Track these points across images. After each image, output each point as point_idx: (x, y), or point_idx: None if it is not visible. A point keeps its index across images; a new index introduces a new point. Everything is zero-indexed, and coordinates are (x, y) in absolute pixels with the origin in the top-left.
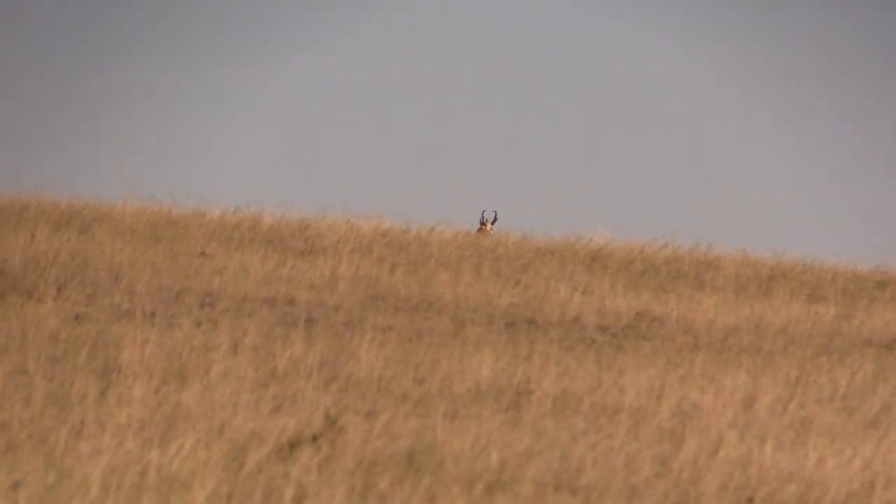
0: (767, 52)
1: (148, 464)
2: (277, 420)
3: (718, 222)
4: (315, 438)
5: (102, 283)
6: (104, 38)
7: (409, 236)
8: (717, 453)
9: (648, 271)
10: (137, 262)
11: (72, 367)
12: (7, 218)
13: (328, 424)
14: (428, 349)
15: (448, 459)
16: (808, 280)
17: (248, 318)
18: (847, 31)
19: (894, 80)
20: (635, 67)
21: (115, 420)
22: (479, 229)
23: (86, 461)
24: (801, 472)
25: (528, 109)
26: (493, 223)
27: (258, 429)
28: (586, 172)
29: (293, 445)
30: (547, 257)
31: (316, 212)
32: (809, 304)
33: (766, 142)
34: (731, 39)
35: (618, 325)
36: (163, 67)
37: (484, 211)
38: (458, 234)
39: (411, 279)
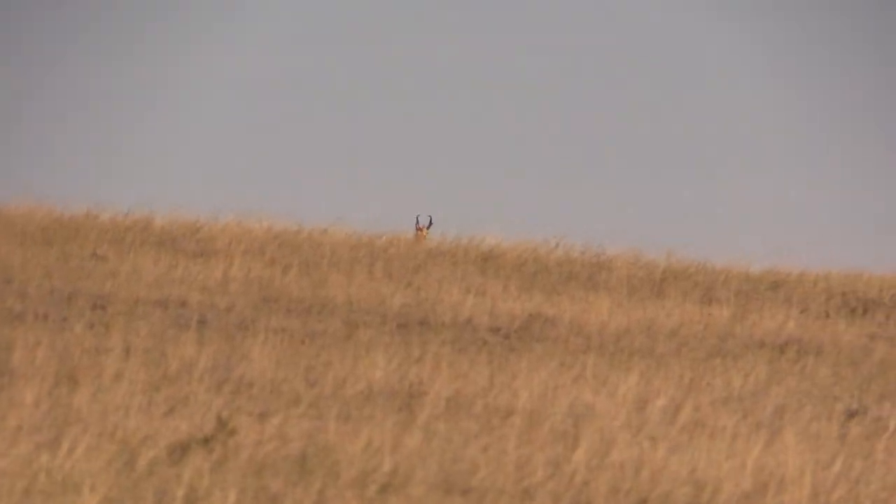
0: (633, 50)
1: (39, 467)
2: (169, 422)
3: (611, 223)
4: (207, 441)
5: None
6: None
7: (301, 237)
8: (610, 455)
9: (541, 273)
10: (29, 264)
11: None
12: None
13: (220, 427)
14: (320, 351)
15: (340, 461)
16: (701, 281)
17: (141, 321)
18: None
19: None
20: (518, 65)
21: (6, 423)
22: (416, 235)
23: None
24: (693, 473)
25: (415, 109)
26: (428, 228)
27: (150, 431)
28: (478, 173)
29: (185, 448)
30: (439, 259)
31: (208, 213)
32: (702, 306)
33: (656, 139)
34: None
35: (510, 327)
36: (50, 67)
37: (418, 215)
38: (352, 234)
39: (304, 281)
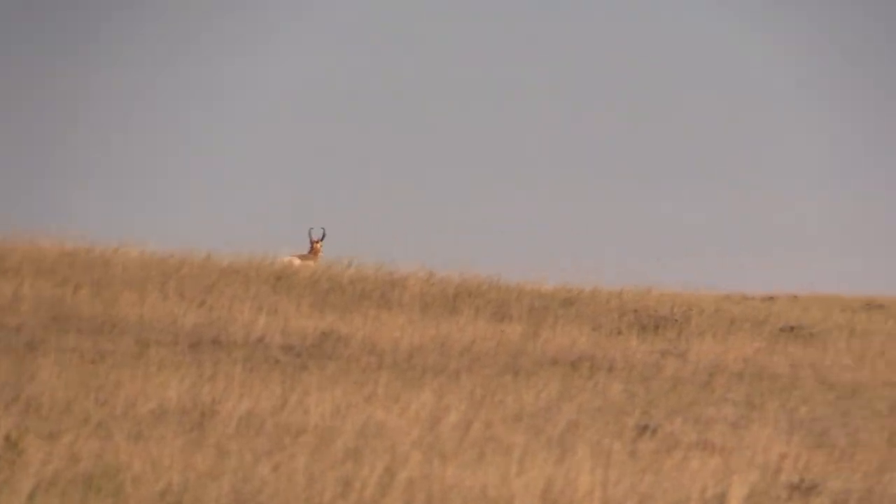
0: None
1: None
2: None
3: (404, 241)
4: None
5: None
6: None
7: (93, 256)
8: (401, 473)
9: (334, 291)
10: None
11: None
12: None
13: (8, 446)
14: (111, 370)
15: (129, 481)
16: (493, 298)
17: None
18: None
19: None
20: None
21: None
22: (311, 250)
23: None
24: (485, 490)
25: (194, 127)
26: (321, 240)
27: None
28: (271, 190)
29: None
30: (232, 277)
31: None
32: (495, 323)
33: (446, 159)
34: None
35: (303, 345)
36: None
37: (311, 229)
38: (143, 253)
39: (95, 300)
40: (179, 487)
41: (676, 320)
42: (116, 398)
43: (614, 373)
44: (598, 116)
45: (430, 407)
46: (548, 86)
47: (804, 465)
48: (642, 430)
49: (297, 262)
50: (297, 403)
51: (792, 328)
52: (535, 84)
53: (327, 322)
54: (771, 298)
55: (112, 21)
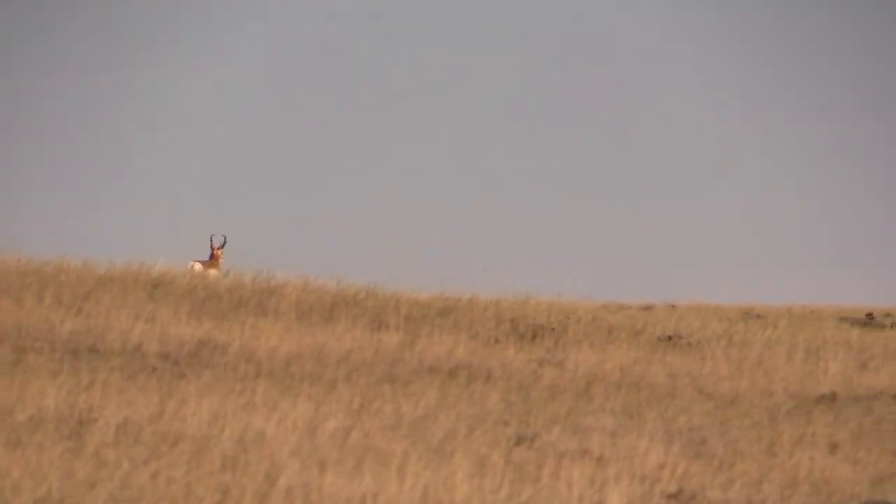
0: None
1: None
2: None
3: (280, 250)
4: None
5: None
6: None
7: None
8: (279, 481)
9: (211, 299)
10: None
11: None
12: None
13: None
14: None
15: (7, 489)
16: (370, 307)
17: None
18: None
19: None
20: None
21: None
22: (211, 256)
23: None
24: (364, 499)
25: (70, 133)
26: (222, 247)
27: None
28: (149, 200)
29: None
30: (109, 285)
31: None
32: (372, 332)
33: (319, 171)
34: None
35: (180, 353)
36: None
37: (212, 236)
38: (20, 260)
39: None
40: (58, 495)
41: (554, 329)
42: None
43: (492, 381)
44: (473, 124)
45: (308, 415)
46: (426, 96)
47: (682, 475)
48: (520, 438)
49: (198, 266)
50: (174, 411)
51: (670, 337)
52: (408, 93)
53: (204, 330)
54: (648, 307)
55: None
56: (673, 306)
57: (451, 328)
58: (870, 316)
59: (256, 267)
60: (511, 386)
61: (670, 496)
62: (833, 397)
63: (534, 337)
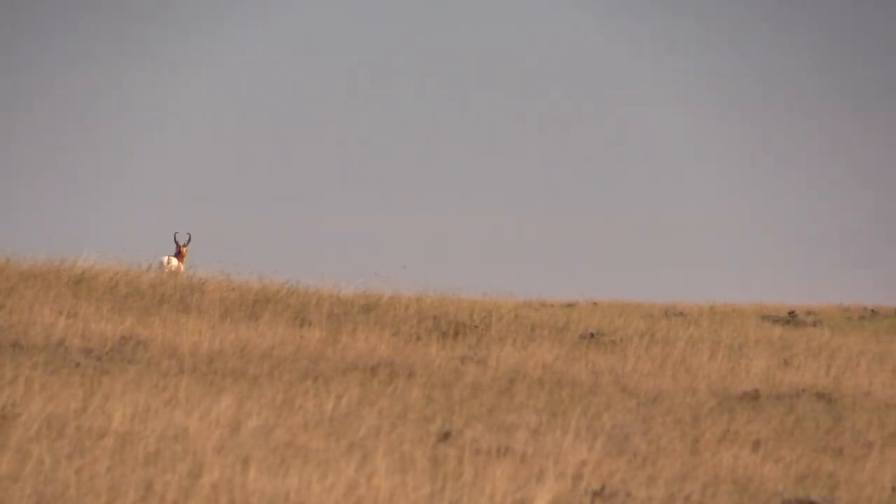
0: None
1: None
2: None
3: (203, 247)
4: None
5: None
6: None
7: None
8: (203, 477)
9: (133, 295)
10: None
11: None
12: None
13: None
14: None
15: None
16: (293, 304)
17: None
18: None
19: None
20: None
21: None
22: (177, 253)
23: None
24: (286, 496)
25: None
26: (186, 245)
27: None
28: (70, 197)
29: None
30: (31, 281)
31: None
32: (295, 328)
33: (242, 170)
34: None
35: (103, 349)
36: None
37: (176, 233)
38: None
39: None
40: None
41: (476, 326)
42: None
43: (414, 379)
44: (394, 122)
45: (231, 412)
46: (342, 94)
47: (606, 472)
48: (443, 436)
49: (174, 262)
50: (98, 407)
51: (592, 335)
52: (325, 92)
53: (127, 326)
54: (571, 305)
55: None
56: (595, 304)
57: (374, 325)
58: (792, 314)
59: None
60: (434, 383)
61: (594, 493)
62: (756, 395)
63: (456, 334)
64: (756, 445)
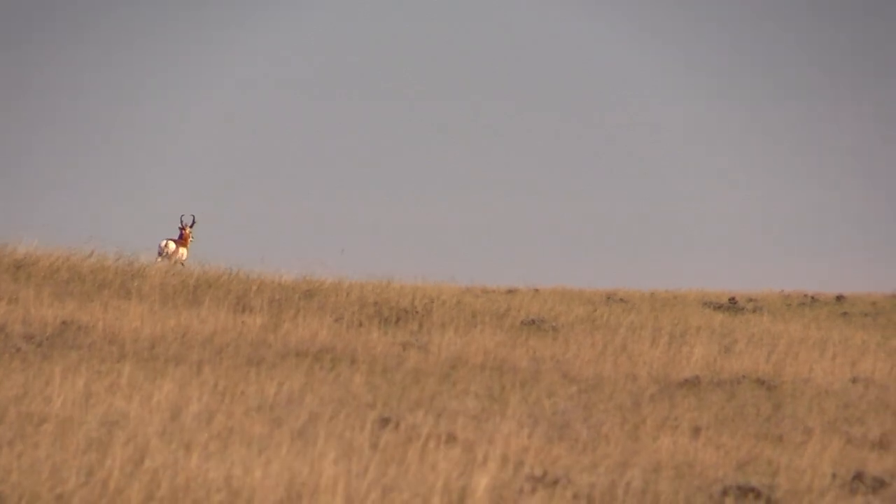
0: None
1: None
2: None
3: (141, 233)
4: None
5: None
6: None
7: None
8: (144, 462)
9: (74, 280)
10: None
11: None
12: None
13: None
14: None
15: None
16: (235, 289)
17: None
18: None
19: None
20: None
21: None
22: (181, 235)
23: None
24: (228, 481)
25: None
26: (192, 226)
27: None
28: (10, 183)
29: None
30: None
31: None
32: (237, 314)
33: (188, 155)
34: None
35: (44, 334)
36: None
37: (182, 215)
38: None
39: None
40: None
41: (418, 312)
42: None
43: (356, 365)
44: (338, 115)
45: (172, 397)
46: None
47: (547, 458)
48: (384, 422)
49: (172, 245)
50: (39, 392)
51: (533, 321)
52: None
53: (68, 311)
54: (512, 291)
55: None
56: (536, 290)
57: (316, 311)
58: (733, 301)
59: (119, 249)
60: (375, 369)
61: (535, 479)
62: (697, 381)
63: (398, 320)
64: (697, 432)
